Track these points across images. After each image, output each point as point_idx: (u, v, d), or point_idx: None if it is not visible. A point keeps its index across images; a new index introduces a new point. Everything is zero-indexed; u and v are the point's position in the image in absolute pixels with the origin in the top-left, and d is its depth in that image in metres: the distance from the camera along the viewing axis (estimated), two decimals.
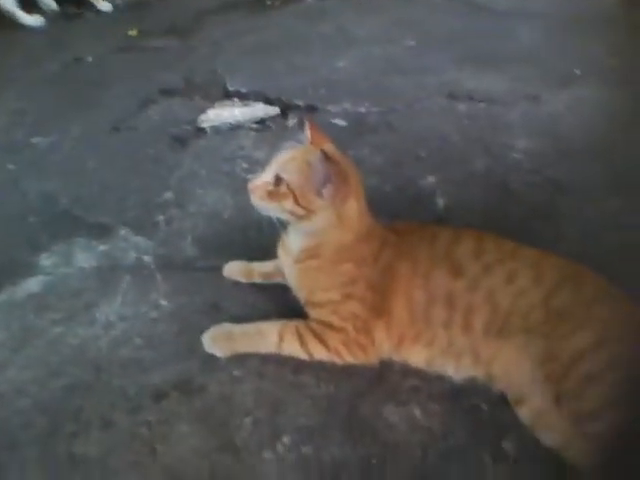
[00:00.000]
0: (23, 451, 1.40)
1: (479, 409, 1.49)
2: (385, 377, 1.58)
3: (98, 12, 4.65)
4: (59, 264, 1.98)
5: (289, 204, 1.49)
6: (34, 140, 2.74)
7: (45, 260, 1.99)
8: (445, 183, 2.33)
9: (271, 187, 1.50)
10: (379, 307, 1.57)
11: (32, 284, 1.89)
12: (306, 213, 1.50)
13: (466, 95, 2.99)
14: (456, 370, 1.53)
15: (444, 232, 1.64)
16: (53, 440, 1.42)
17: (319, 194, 1.48)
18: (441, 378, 1.55)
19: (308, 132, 1.61)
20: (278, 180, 1.49)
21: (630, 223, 2.07)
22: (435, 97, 2.99)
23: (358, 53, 3.59)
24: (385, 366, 1.59)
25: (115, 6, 4.75)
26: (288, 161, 1.51)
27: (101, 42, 3.93)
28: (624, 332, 1.39)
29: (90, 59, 3.68)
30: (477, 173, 2.40)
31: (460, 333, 1.50)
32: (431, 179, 2.36)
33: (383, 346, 1.59)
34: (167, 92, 3.21)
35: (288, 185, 1.48)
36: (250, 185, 1.53)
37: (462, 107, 2.89)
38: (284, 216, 1.53)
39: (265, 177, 1.52)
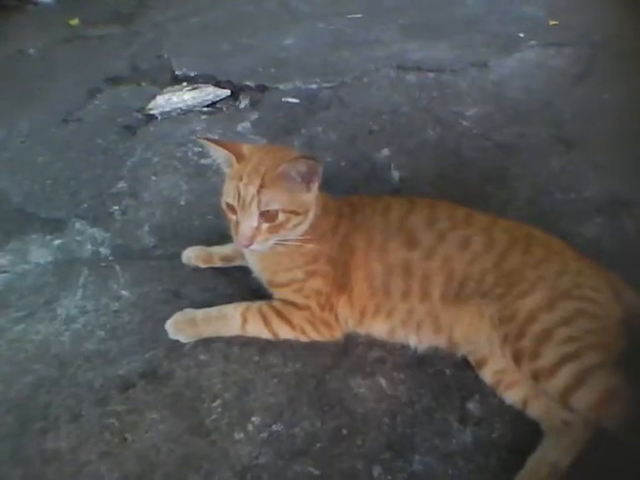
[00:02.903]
0: None
1: (443, 374, 1.55)
2: (350, 350, 1.61)
3: (37, 3, 4.48)
4: (15, 262, 1.94)
5: (293, 223, 1.47)
6: None
7: (1, 259, 1.95)
8: (399, 155, 2.36)
9: (265, 225, 1.45)
10: (341, 282, 1.59)
11: None
12: (305, 216, 1.50)
13: (415, 66, 3.01)
14: (418, 339, 1.57)
15: (397, 203, 1.67)
16: (23, 437, 1.41)
17: (307, 191, 1.48)
18: (405, 348, 1.59)
19: (220, 149, 1.51)
20: (268, 215, 1.43)
21: (573, 181, 2.15)
22: (384, 69, 3.00)
23: (305, 29, 3.56)
24: (350, 340, 1.63)
25: None
26: (261, 191, 1.42)
27: (43, 33, 3.80)
28: (577, 286, 1.45)
29: (33, 51, 3.56)
30: (429, 143, 2.43)
31: (418, 302, 1.54)
32: (385, 152, 2.38)
33: (347, 320, 1.62)
34: (114, 80, 3.14)
35: (283, 210, 1.44)
36: (243, 241, 1.44)
37: (411, 78, 2.91)
38: (287, 236, 1.50)
39: (250, 223, 1.43)
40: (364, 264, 1.58)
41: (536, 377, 1.35)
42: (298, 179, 1.45)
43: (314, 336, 1.61)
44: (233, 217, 1.48)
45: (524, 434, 1.40)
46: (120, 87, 3.08)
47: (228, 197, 1.47)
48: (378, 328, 1.61)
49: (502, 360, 1.46)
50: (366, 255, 1.58)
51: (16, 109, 2.90)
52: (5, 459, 1.37)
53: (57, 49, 3.60)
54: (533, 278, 1.46)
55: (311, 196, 1.50)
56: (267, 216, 1.44)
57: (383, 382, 1.53)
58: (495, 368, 1.49)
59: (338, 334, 1.62)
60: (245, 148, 1.53)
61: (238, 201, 1.44)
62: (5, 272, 1.90)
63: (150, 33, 3.71)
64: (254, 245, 1.46)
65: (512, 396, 1.46)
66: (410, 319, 1.56)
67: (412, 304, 1.55)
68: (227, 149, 1.50)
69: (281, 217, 1.45)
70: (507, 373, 1.46)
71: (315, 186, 1.50)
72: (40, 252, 1.98)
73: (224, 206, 1.50)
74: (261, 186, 1.42)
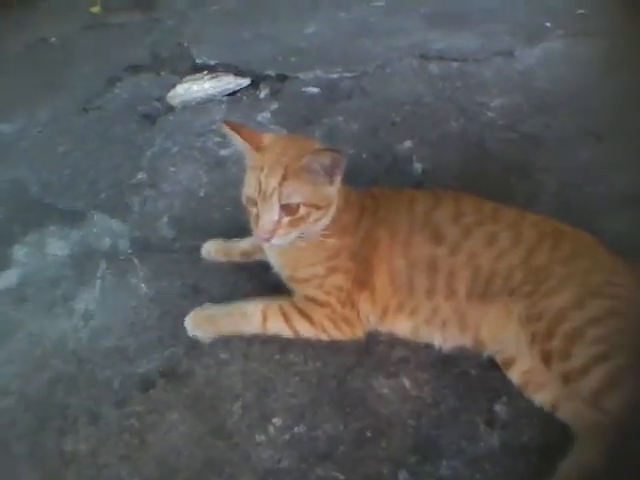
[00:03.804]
0: (13, 449, 1.38)
1: (469, 375, 1.50)
2: (372, 350, 1.57)
3: None
4: (33, 254, 1.93)
5: (314, 217, 1.43)
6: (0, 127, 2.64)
7: (18, 251, 1.94)
8: (422, 147, 2.30)
9: (286, 218, 1.40)
10: (362, 278, 1.55)
11: (7, 277, 1.85)
12: (327, 209, 1.46)
13: (438, 55, 2.92)
14: (443, 338, 1.53)
15: (422, 196, 1.62)
16: (42, 437, 1.40)
17: (330, 184, 1.44)
18: (429, 347, 1.54)
19: (238, 138, 1.47)
20: (289, 208, 1.39)
21: (602, 174, 2.07)
22: (407, 59, 2.92)
23: (326, 17, 3.48)
24: (372, 339, 1.59)
25: None
26: (282, 183, 1.38)
27: (64, 21, 3.76)
28: (607, 284, 1.39)
29: (54, 39, 3.53)
30: (453, 134, 2.37)
31: (444, 300, 1.49)
32: (407, 143, 2.32)
33: (368, 318, 1.58)
34: (134, 69, 3.10)
35: (305, 203, 1.40)
36: (263, 235, 1.40)
37: (434, 68, 2.84)
38: (309, 230, 1.45)
39: (271, 217, 1.39)
40: (387, 259, 1.53)
41: (566, 378, 1.31)
42: (321, 172, 1.40)
43: (335, 334, 1.57)
44: (253, 210, 1.44)
45: (554, 437, 1.35)
46: (140, 76, 3.04)
47: (248, 189, 1.44)
48: (401, 326, 1.56)
49: (530, 360, 1.41)
50: (389, 250, 1.53)
51: (36, 97, 2.87)
52: (24, 458, 1.36)
53: (78, 37, 3.56)
54: (562, 275, 1.40)
55: (333, 189, 1.46)
56: (288, 209, 1.39)
57: (407, 382, 1.49)
58: (523, 368, 1.44)
59: (360, 332, 1.58)
60: (266, 138, 1.48)
61: (259, 193, 1.40)
62: (23, 265, 1.88)
63: (170, 21, 3.65)
64: (274, 239, 1.41)
65: (541, 397, 1.41)
66: (435, 317, 1.52)
67: (437, 302, 1.50)
68: (245, 139, 1.46)
69: (302, 211, 1.40)
70: (536, 374, 1.41)
71: (338, 179, 1.45)
72: (58, 244, 1.95)
73: (244, 199, 1.46)
74: (283, 178, 1.38)
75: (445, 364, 1.52)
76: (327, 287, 1.54)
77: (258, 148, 1.45)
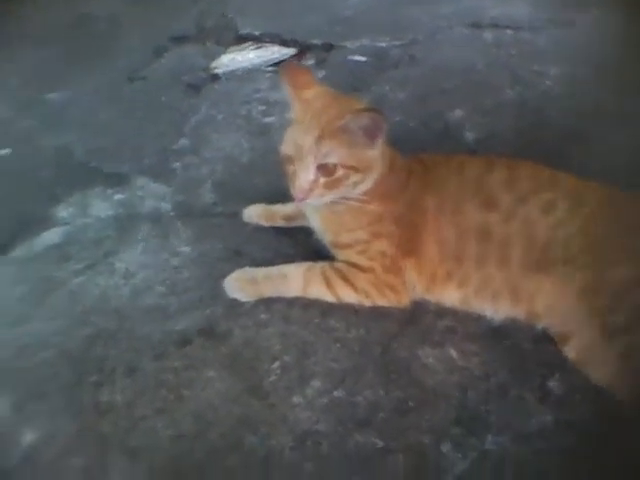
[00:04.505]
0: (51, 400, 1.37)
1: (521, 348, 1.42)
2: (418, 318, 1.50)
3: None
4: (77, 215, 1.92)
5: (353, 180, 1.37)
6: (49, 96, 2.66)
7: (62, 211, 1.94)
8: (474, 115, 2.21)
9: (322, 179, 1.34)
10: (408, 244, 1.48)
11: (51, 236, 1.84)
12: (366, 173, 1.39)
13: (491, 23, 2.81)
14: (494, 310, 1.45)
15: (473, 162, 1.54)
16: (79, 389, 1.38)
17: (370, 147, 1.37)
18: (479, 317, 1.47)
19: (286, 85, 1.43)
20: (326, 168, 1.33)
21: None
22: (458, 26, 2.83)
23: None
24: (418, 307, 1.52)
25: None
26: (320, 141, 1.32)
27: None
28: None
29: (100, 11, 3.55)
30: (507, 103, 2.27)
31: (496, 270, 1.42)
32: (458, 112, 2.24)
33: (414, 286, 1.51)
34: (179, 39, 3.08)
35: (342, 165, 1.34)
36: (299, 194, 1.35)
37: (487, 35, 2.73)
38: (347, 194, 1.40)
39: (307, 175, 1.34)
40: (435, 226, 1.46)
41: (629, 354, 1.22)
42: (360, 133, 1.33)
43: (379, 300, 1.51)
44: (290, 168, 1.39)
45: (610, 415, 1.26)
46: (185, 46, 3.02)
47: (286, 146, 1.39)
48: (449, 296, 1.49)
49: (589, 335, 1.32)
50: (438, 217, 1.46)
51: (83, 68, 2.88)
52: (60, 410, 1.35)
53: (124, 8, 3.57)
54: (625, 246, 1.31)
55: (374, 153, 1.39)
56: (325, 170, 1.34)
57: (454, 353, 1.42)
58: (581, 343, 1.35)
59: (405, 300, 1.51)
60: (310, 92, 1.42)
61: (296, 151, 1.35)
62: (66, 224, 1.88)
63: None
64: (310, 199, 1.37)
65: (599, 374, 1.31)
66: (485, 288, 1.44)
67: (488, 271, 1.42)
68: (293, 85, 1.41)
69: (340, 172, 1.34)
70: (594, 349, 1.32)
71: (379, 142, 1.38)
72: (102, 206, 1.95)
73: (281, 156, 1.41)
74: (320, 137, 1.32)
75: (496, 336, 1.45)
76: (370, 253, 1.48)
77: (301, 100, 1.39)
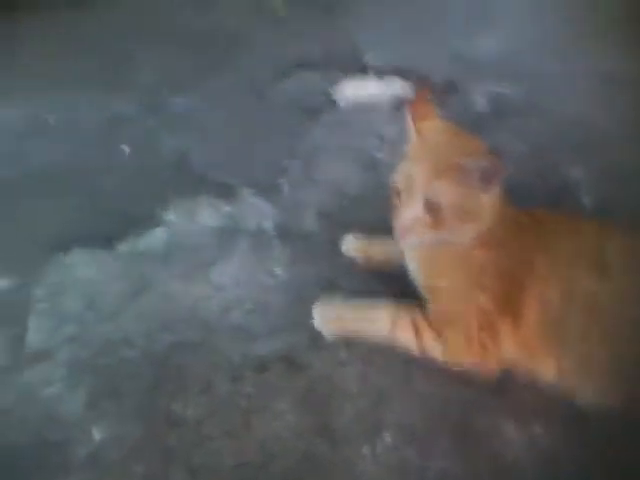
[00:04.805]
0: (125, 402, 1.41)
1: (610, 435, 1.29)
2: (506, 388, 1.41)
3: None
4: (182, 220, 1.99)
5: (459, 223, 1.32)
6: (174, 99, 2.79)
7: (170, 214, 2.00)
8: (594, 175, 2.08)
9: (427, 217, 1.30)
10: (507, 302, 1.39)
11: (155, 236, 1.92)
12: (474, 218, 1.34)
13: (624, 79, 2.64)
14: (592, 390, 1.33)
15: (591, 225, 1.45)
16: (154, 395, 1.42)
17: (484, 192, 1.31)
18: (572, 396, 1.35)
19: (408, 117, 1.39)
20: (434, 206, 1.29)
21: None
22: (590, 79, 2.68)
23: (501, 30, 3.29)
24: (507, 376, 1.43)
25: None
26: (431, 177, 1.28)
27: (244, 7, 3.95)
28: None
29: (232, 23, 3.71)
30: (635, 167, 2.11)
31: (601, 346, 1.30)
32: (579, 170, 2.11)
33: (507, 351, 1.42)
34: (304, 63, 3.15)
35: (451, 205, 1.29)
36: (400, 230, 1.33)
37: (620, 92, 2.56)
38: (451, 237, 1.35)
39: (413, 211, 1.30)
40: (540, 287, 1.36)
41: None
42: (476, 176, 1.27)
43: (467, 358, 1.42)
44: (398, 201, 1.35)
45: None
46: (308, 70, 3.08)
47: (397, 177, 1.35)
48: (543, 368, 1.38)
49: None
50: (545, 277, 1.36)
51: (209, 77, 2.99)
52: (131, 414, 1.39)
53: (255, 25, 3.70)
54: None
55: (487, 199, 1.32)
56: (432, 207, 1.29)
57: (539, 431, 1.32)
58: None
59: (494, 364, 1.42)
60: (430, 126, 1.39)
61: (406, 184, 1.31)
62: (171, 228, 1.95)
63: (344, 20, 3.69)
64: (411, 237, 1.33)
65: None
66: (586, 365, 1.32)
67: (592, 347, 1.31)
68: (413, 117, 1.39)
69: (447, 212, 1.29)
70: None
71: (493, 189, 1.31)
72: (207, 215, 2.00)
73: (391, 188, 1.38)
74: (433, 172, 1.28)
75: (587, 418, 1.32)
76: (466, 303, 1.41)
77: (420, 133, 1.36)
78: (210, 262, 1.80)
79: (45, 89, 2.82)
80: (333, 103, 2.72)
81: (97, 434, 1.34)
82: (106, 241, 1.88)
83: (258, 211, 2.01)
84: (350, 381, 1.43)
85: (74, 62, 3.05)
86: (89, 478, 1.28)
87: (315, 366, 1.47)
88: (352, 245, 1.78)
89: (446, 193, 1.28)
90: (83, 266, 1.80)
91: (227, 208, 2.04)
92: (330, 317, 1.54)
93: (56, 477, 1.28)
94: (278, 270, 1.76)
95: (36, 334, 1.60)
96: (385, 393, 1.40)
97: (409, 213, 1.31)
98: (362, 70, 2.99)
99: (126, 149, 2.40)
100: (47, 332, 1.60)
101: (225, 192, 2.11)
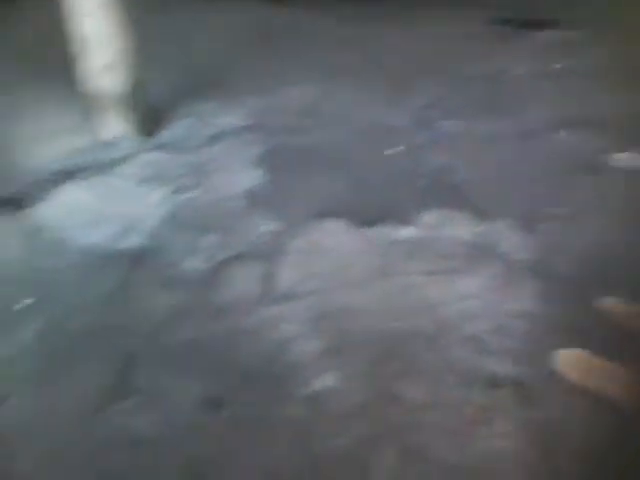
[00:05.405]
0: (352, 361, 1.50)
1: None
2: None
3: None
4: (433, 226, 2.05)
5: None
6: (442, 122, 2.87)
7: (424, 217, 2.08)
8: None
9: None
10: None
11: (407, 232, 2.01)
12: None
13: None
14: None
15: None
16: (374, 369, 1.48)
17: None
18: None
19: None
20: None
21: None
22: None
23: None
24: None
25: None
26: None
27: (532, 61, 3.89)
28: None
29: (521, 74, 3.67)
30: None
31: None
32: None
33: None
34: (577, 123, 3.01)
35: None
36: None
37: None
38: None
39: None
40: None
41: None
42: None
43: None
44: None
45: None
46: (583, 130, 2.92)
47: None
48: None
49: None
50: None
51: (496, 111, 3.04)
52: (356, 375, 1.46)
53: (543, 77, 3.63)
54: None
55: None
56: None
57: None
58: None
59: None
60: None
61: None
62: (422, 230, 2.03)
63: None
64: None
65: None
66: None
67: None
68: None
69: None
70: None
71: None
72: (458, 228, 2.03)
73: None
74: None
75: None
76: None
77: None
78: (455, 270, 1.82)
79: None
80: (613, 167, 2.56)
81: (320, 382, 1.42)
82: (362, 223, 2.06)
83: (511, 243, 1.97)
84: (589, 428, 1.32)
85: None
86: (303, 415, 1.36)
87: (547, 399, 1.40)
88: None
89: None
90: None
91: (479, 228, 2.04)
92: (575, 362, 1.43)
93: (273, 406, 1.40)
94: (528, 302, 1.70)
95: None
96: None
97: None
98: None
99: (401, 149, 2.58)
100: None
101: (479, 214, 2.11)
